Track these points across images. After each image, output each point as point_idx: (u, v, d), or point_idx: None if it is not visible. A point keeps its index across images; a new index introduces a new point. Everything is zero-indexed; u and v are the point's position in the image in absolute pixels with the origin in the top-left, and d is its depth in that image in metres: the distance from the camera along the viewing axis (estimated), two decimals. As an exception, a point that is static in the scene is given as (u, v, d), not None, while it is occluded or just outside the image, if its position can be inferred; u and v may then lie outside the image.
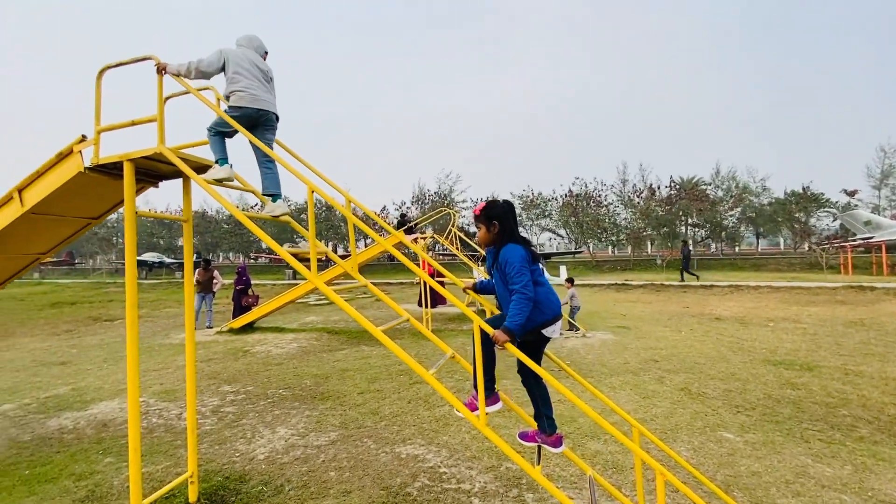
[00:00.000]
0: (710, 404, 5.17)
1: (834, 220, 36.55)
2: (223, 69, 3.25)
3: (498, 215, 2.71)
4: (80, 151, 2.95)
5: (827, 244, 29.64)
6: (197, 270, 12.38)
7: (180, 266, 40.67)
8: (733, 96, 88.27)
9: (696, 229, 41.62)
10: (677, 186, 39.18)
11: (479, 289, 2.99)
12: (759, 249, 47.12)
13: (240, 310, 12.02)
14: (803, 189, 33.18)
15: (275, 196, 3.37)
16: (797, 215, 34.10)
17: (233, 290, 12.81)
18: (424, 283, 14.83)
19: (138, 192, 3.43)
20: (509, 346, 2.49)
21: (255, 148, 3.16)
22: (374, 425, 4.82)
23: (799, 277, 21.42)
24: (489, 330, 2.53)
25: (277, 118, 3.53)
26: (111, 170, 3.01)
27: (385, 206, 47.56)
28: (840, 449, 4.00)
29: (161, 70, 2.98)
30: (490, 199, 2.83)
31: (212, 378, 6.90)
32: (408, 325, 10.92)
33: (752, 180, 38.62)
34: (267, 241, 2.71)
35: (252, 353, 8.60)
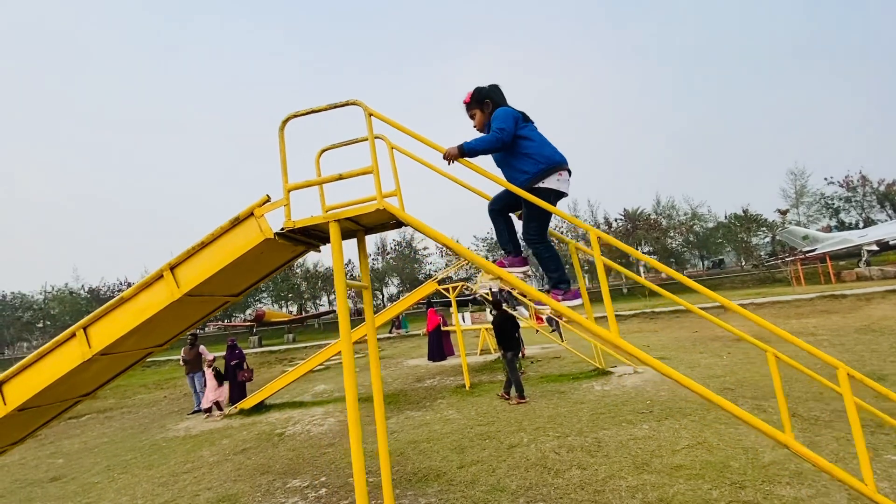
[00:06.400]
0: (843, 428, 5.04)
1: (765, 238, 40.15)
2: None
3: (487, 94, 2.80)
4: (263, 215, 2.42)
5: (777, 259, 32.26)
6: (182, 348, 11.08)
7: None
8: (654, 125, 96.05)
9: (650, 255, 44.13)
10: (628, 218, 41.70)
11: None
12: (706, 270, 50.61)
13: (238, 387, 10.82)
14: (743, 211, 36.38)
15: None
16: (740, 235, 37.12)
17: (224, 366, 11.55)
18: (436, 334, 14.26)
19: (298, 256, 2.91)
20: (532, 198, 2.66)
21: None
22: (515, 505, 4.20)
23: (765, 293, 22.88)
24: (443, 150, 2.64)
25: None
26: (297, 235, 2.48)
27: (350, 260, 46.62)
28: None
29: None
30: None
31: (265, 472, 5.89)
32: (440, 382, 9.86)
33: (690, 207, 41.98)
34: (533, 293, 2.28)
35: (289, 435, 7.54)
